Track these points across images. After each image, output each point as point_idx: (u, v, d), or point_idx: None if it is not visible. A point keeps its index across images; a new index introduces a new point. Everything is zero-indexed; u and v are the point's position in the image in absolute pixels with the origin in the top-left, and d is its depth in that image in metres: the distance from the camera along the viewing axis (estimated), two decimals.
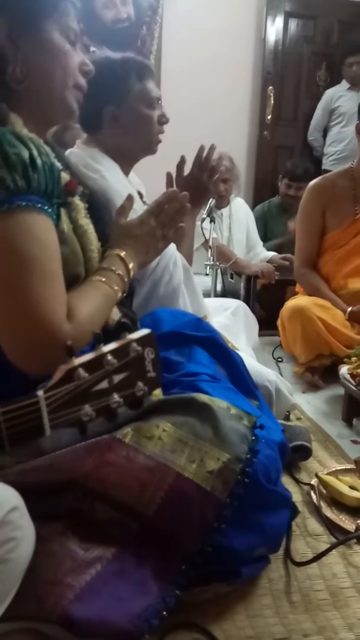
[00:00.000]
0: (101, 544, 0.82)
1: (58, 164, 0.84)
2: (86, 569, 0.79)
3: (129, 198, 1.06)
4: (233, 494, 0.85)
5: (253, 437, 0.90)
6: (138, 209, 1.27)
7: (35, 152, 0.76)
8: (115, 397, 0.61)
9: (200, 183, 1.50)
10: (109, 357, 0.61)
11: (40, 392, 0.57)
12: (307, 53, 3.80)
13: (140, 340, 0.64)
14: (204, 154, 1.49)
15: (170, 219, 1.04)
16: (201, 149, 1.49)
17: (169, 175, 1.51)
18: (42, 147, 0.80)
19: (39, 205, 0.77)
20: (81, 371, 0.58)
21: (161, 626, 0.82)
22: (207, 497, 0.84)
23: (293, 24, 3.72)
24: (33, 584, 0.74)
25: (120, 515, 0.84)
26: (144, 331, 0.65)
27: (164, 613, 0.80)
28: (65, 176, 0.88)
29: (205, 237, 2.57)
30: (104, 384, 0.61)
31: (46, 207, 0.78)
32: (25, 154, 0.75)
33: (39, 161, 0.76)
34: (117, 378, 0.62)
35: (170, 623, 0.86)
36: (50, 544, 0.79)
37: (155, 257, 1.08)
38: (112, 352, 0.61)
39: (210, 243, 2.37)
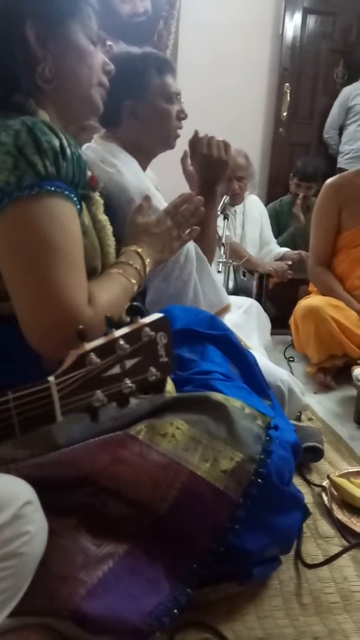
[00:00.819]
0: (113, 540, 0.82)
1: (84, 156, 0.85)
2: (98, 565, 0.78)
3: (147, 198, 1.07)
4: (246, 495, 0.84)
5: (267, 438, 0.90)
6: (158, 204, 1.26)
7: (65, 142, 0.78)
8: (127, 382, 0.60)
9: (213, 159, 1.44)
10: (121, 341, 0.59)
11: (51, 378, 0.56)
12: (325, 50, 3.76)
13: (153, 325, 0.62)
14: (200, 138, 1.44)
15: (185, 220, 1.07)
16: (195, 132, 1.45)
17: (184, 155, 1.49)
18: (71, 138, 0.81)
19: (66, 192, 0.78)
20: (93, 356, 0.57)
21: (171, 624, 0.82)
22: (220, 497, 0.83)
23: (311, 20, 3.68)
24: (45, 578, 0.74)
25: (132, 512, 0.84)
26: (157, 315, 0.64)
27: (175, 611, 0.80)
28: (88, 171, 0.88)
29: (218, 234, 2.55)
30: (115, 369, 0.59)
31: (72, 195, 0.79)
32: (56, 142, 0.77)
33: (68, 150, 0.78)
34: (129, 363, 0.60)
35: (180, 622, 0.86)
36: (62, 538, 0.79)
37: (170, 256, 1.10)
38: (124, 336, 0.60)
39: (223, 240, 2.35)
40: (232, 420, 0.88)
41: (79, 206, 0.83)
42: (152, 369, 0.63)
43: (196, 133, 1.46)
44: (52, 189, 0.76)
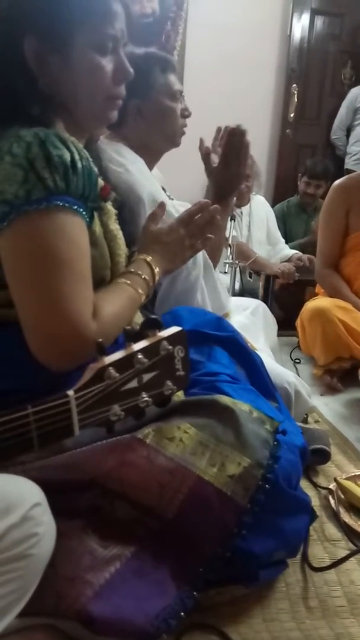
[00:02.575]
0: (120, 542, 0.82)
1: (95, 169, 0.84)
2: (105, 567, 0.78)
3: (161, 205, 1.05)
4: (254, 500, 0.84)
5: (275, 443, 0.89)
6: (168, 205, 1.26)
7: (76, 156, 0.78)
8: (144, 396, 0.60)
9: (230, 172, 1.41)
10: (140, 355, 0.59)
11: (70, 392, 0.56)
12: (333, 51, 3.75)
13: (171, 338, 0.62)
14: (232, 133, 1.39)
15: (199, 230, 1.03)
16: (218, 130, 1.43)
17: (203, 144, 1.44)
18: (83, 152, 0.81)
19: (75, 207, 0.78)
20: (112, 370, 0.57)
21: (177, 627, 0.81)
22: (227, 502, 0.83)
23: (319, 21, 3.67)
24: (52, 579, 0.74)
25: (139, 514, 0.84)
26: (175, 329, 0.64)
27: (182, 614, 0.80)
28: (100, 182, 0.88)
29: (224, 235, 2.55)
30: (133, 383, 0.59)
31: (81, 210, 0.79)
32: (67, 156, 0.76)
33: (79, 165, 0.78)
34: (146, 377, 0.60)
35: (186, 624, 0.86)
36: (70, 540, 0.79)
37: (181, 265, 1.08)
38: (142, 350, 0.60)
39: (230, 241, 2.35)
40: (240, 424, 0.87)
41: (88, 219, 0.82)
42: (169, 383, 0.63)
43: (202, 141, 1.45)
44: (61, 203, 0.76)
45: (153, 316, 0.64)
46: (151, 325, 0.62)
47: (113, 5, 0.85)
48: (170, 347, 0.62)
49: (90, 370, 0.57)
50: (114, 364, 0.58)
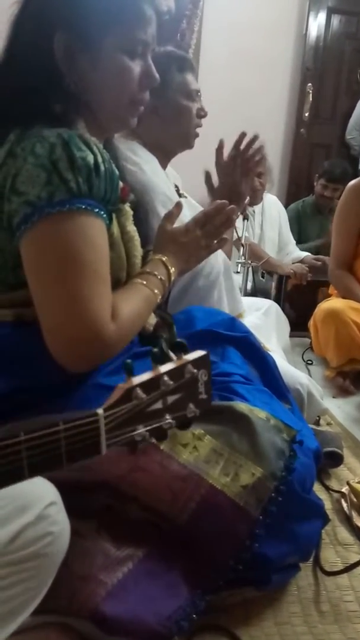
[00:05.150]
0: (133, 543, 0.82)
1: (117, 172, 0.85)
2: (118, 567, 0.79)
3: (178, 205, 1.05)
4: (266, 511, 0.83)
5: (291, 453, 0.88)
6: (176, 201, 1.26)
7: (99, 158, 0.78)
8: (168, 418, 0.61)
9: (236, 183, 1.41)
10: (166, 378, 0.60)
11: (100, 410, 0.56)
12: (349, 50, 3.71)
13: (196, 362, 0.63)
14: (243, 144, 1.40)
15: (215, 230, 1.04)
16: (242, 135, 1.41)
17: (207, 174, 1.46)
18: (105, 153, 0.81)
19: (97, 210, 0.78)
20: (139, 391, 0.58)
21: (189, 628, 0.81)
22: (239, 512, 0.83)
23: (336, 20, 3.64)
24: (65, 578, 0.75)
25: (151, 515, 0.83)
26: (199, 353, 0.64)
27: (193, 615, 0.80)
28: (120, 183, 0.88)
29: (237, 235, 2.54)
30: (158, 405, 0.60)
31: (102, 212, 0.80)
32: (91, 159, 0.76)
33: (102, 167, 0.78)
34: (170, 399, 0.61)
35: (198, 625, 0.86)
36: (83, 539, 0.79)
37: (196, 265, 1.08)
38: (168, 372, 0.60)
39: (243, 241, 2.34)
40: (256, 433, 0.87)
41: (108, 221, 0.83)
42: (191, 406, 0.63)
43: (221, 141, 1.43)
44: (83, 206, 0.76)
45: (180, 340, 0.64)
46: (177, 348, 0.63)
47: (147, 10, 0.85)
48: (194, 370, 0.63)
49: (119, 390, 0.58)
50: (141, 385, 0.58)
